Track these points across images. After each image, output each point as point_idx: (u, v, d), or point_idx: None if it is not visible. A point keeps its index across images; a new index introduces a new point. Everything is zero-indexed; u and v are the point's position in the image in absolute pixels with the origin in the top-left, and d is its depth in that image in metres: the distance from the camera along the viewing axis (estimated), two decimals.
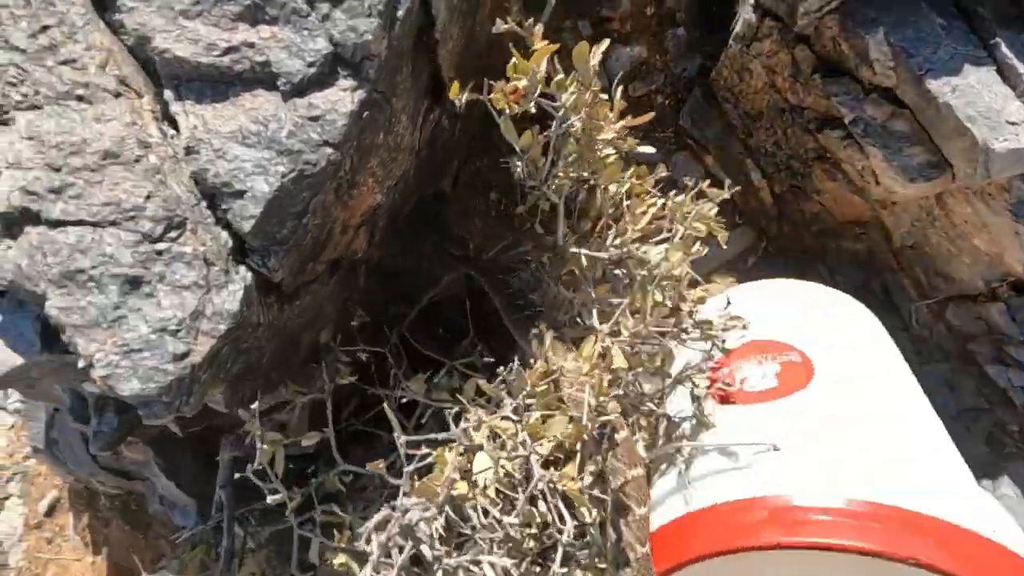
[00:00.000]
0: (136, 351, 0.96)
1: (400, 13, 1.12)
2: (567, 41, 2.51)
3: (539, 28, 1.33)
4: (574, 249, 1.55)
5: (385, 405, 1.25)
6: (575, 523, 1.16)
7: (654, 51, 2.59)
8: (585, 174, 1.46)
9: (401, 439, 1.18)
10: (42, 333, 1.08)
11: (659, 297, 1.42)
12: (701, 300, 1.51)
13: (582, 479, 1.21)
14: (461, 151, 2.57)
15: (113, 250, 1.00)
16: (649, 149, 1.56)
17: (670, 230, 1.58)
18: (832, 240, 2.50)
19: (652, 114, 1.45)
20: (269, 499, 1.23)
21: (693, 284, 1.64)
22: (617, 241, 1.62)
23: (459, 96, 1.21)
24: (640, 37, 2.57)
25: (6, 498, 2.43)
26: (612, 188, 1.65)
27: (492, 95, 1.19)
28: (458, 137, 2.24)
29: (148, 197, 1.03)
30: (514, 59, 1.21)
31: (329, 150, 1.09)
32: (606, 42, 1.30)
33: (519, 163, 1.35)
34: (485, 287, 1.81)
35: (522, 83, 1.18)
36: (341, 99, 1.10)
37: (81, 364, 0.98)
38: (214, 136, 1.07)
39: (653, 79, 2.63)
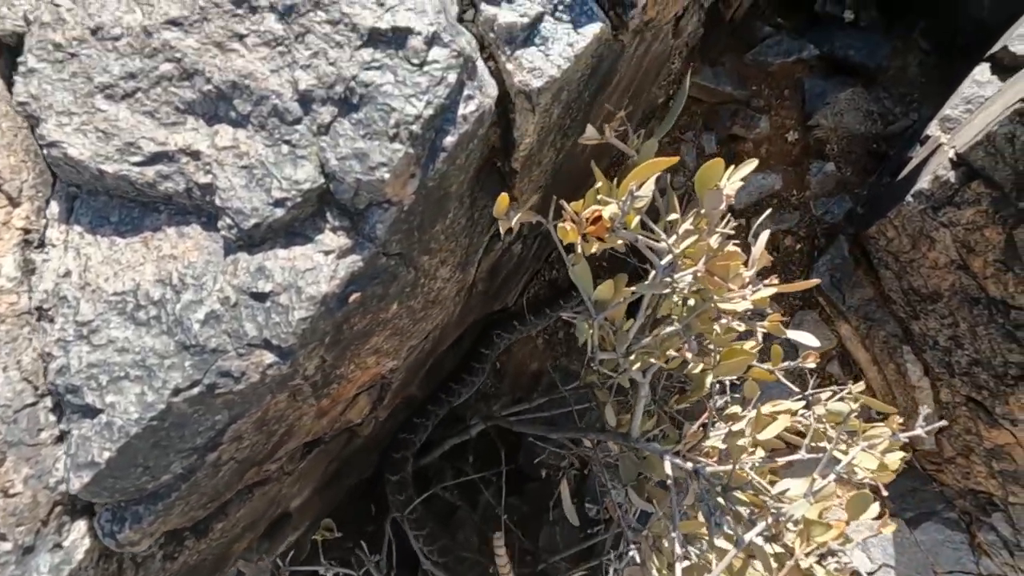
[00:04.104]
0: None
1: (448, 141, 0.64)
2: (683, 157, 2.01)
3: (652, 142, 0.83)
4: (656, 448, 0.96)
5: None
6: None
7: (791, 184, 2.08)
8: (687, 354, 0.89)
9: None
10: None
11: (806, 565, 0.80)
12: None
13: None
14: (535, 263, 2.08)
15: None
16: (808, 338, 0.91)
17: (815, 448, 0.92)
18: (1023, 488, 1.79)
19: (817, 281, 0.88)
20: None
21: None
22: (717, 445, 0.99)
23: (508, 214, 0.71)
24: (776, 165, 2.08)
25: None
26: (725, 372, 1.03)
27: (560, 223, 0.68)
28: (535, 252, 1.76)
29: None
30: (597, 180, 0.71)
31: (270, 358, 0.60)
32: (751, 163, 0.78)
33: (588, 326, 0.82)
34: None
35: (608, 210, 0.66)
36: (317, 268, 0.62)
37: None
38: (89, 295, 0.62)
39: (785, 218, 2.12)
